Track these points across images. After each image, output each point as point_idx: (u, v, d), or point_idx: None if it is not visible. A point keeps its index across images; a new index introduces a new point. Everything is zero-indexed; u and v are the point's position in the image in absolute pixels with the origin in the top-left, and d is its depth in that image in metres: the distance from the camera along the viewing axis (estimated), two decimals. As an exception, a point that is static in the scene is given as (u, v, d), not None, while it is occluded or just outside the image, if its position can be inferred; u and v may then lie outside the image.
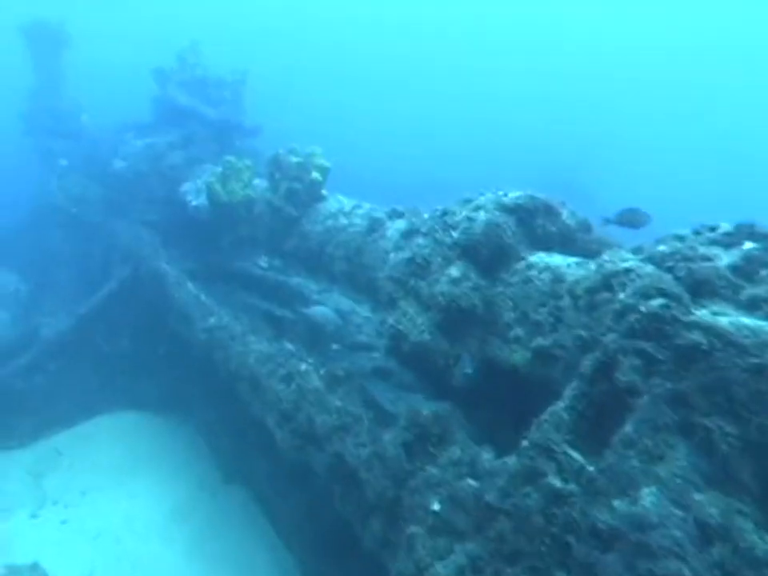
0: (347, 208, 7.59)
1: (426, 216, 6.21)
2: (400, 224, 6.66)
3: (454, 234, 5.30)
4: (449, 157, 31.35)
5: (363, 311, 9.78)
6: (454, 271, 5.17)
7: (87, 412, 11.54)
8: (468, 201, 5.51)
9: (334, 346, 8.65)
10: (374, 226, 6.85)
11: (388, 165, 27.12)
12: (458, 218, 5.38)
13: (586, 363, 3.72)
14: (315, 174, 8.09)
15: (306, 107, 33.24)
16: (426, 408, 4.89)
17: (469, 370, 5.03)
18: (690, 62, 43.71)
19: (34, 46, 17.79)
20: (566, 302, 4.30)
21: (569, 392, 3.79)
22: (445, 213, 5.59)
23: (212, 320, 8.27)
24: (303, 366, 6.51)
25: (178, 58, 15.68)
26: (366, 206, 7.52)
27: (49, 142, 16.34)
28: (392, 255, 6.27)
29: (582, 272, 4.40)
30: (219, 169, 9.62)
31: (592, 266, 4.35)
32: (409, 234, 6.16)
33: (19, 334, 13.06)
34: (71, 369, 11.53)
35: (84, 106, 16.90)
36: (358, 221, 7.20)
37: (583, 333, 4.02)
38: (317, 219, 7.89)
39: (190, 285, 9.54)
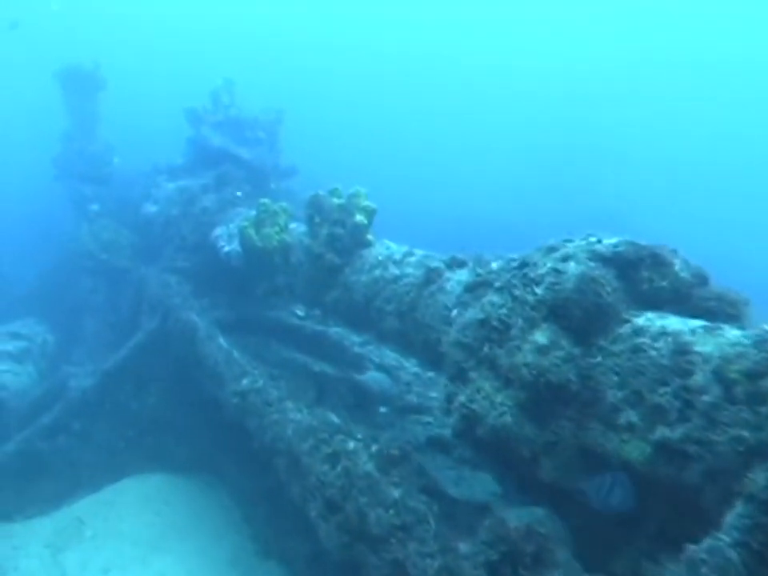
0: (397, 255, 6.55)
1: (495, 266, 5.17)
2: (462, 275, 5.60)
3: (538, 291, 4.23)
4: (477, 187, 30.26)
5: (411, 366, 8.73)
6: (540, 337, 4.09)
7: (113, 475, 10.55)
8: (552, 249, 4.43)
9: (382, 409, 7.59)
10: (431, 276, 5.79)
11: (425, 200, 26.10)
12: (541, 271, 4.30)
13: (761, 482, 2.62)
14: (359, 217, 7.10)
15: (341, 144, 32.49)
16: (515, 517, 3.78)
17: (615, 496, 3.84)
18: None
19: (69, 91, 17.25)
20: (713, 388, 3.18)
21: (734, 520, 2.67)
22: (524, 264, 4.52)
23: (245, 382, 7.24)
24: (351, 444, 5.43)
25: (212, 98, 14.95)
26: (419, 252, 6.48)
27: (80, 187, 15.66)
28: (455, 313, 5.22)
29: (726, 345, 3.29)
30: (253, 212, 8.69)
31: (744, 338, 3.24)
32: (475, 287, 5.11)
33: (46, 390, 12.20)
34: (96, 429, 10.58)
35: (116, 149, 16.23)
36: (410, 270, 6.15)
37: (746, 433, 2.91)
38: (362, 268, 6.86)
39: (221, 339, 8.56)
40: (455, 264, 5.79)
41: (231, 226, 10.41)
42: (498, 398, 4.14)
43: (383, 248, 6.93)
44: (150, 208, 13.66)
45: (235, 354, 8.01)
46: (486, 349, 4.41)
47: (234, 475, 9.64)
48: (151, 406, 10.74)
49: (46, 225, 18.18)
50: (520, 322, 4.25)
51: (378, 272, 6.58)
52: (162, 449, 10.74)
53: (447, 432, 6.89)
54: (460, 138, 38.39)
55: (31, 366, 12.31)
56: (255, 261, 8.47)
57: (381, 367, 9.05)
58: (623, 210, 28.23)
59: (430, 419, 7.34)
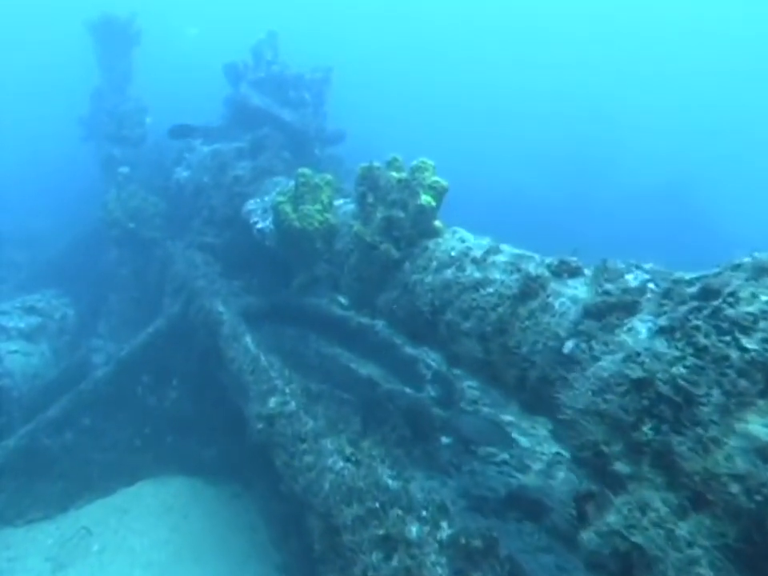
0: (477, 251, 4.74)
1: (633, 281, 3.39)
2: (578, 289, 3.81)
3: (750, 344, 2.44)
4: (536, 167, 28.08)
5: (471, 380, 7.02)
6: (759, 427, 2.32)
7: (127, 477, 9.06)
8: (763, 269, 2.65)
9: (445, 440, 5.89)
10: (530, 287, 4.00)
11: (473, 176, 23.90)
12: (750, 308, 2.51)
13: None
14: (426, 198, 5.32)
15: (391, 113, 30.40)
16: None
17: None
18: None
19: (101, 43, 15.59)
20: None
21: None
22: (709, 291, 2.72)
23: (273, 402, 5.55)
24: (413, 530, 3.72)
25: (253, 53, 13.17)
26: (507, 249, 4.66)
27: (109, 148, 14.05)
28: (572, 347, 3.47)
29: None
30: (291, 185, 6.96)
31: None
32: (604, 312, 3.35)
33: (61, 372, 10.73)
34: (109, 424, 9.08)
35: (149, 108, 14.54)
36: (498, 275, 4.36)
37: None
38: (428, 265, 5.09)
39: (248, 339, 6.88)
40: (566, 271, 3.99)
41: (267, 198, 8.70)
42: (683, 530, 2.36)
43: (456, 240, 5.14)
44: (182, 173, 12.02)
45: (263, 360, 6.33)
46: (648, 430, 2.65)
47: (264, 489, 8.03)
48: (172, 401, 9.19)
49: (76, 189, 16.72)
50: (716, 394, 2.47)
51: (449, 272, 4.80)
52: (183, 450, 9.21)
53: (532, 480, 5.19)
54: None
55: (45, 344, 10.83)
56: (291, 244, 6.76)
57: (438, 375, 7.35)
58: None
59: (504, 455, 5.63)
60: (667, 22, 40.86)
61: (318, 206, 6.62)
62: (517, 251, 4.60)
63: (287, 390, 5.68)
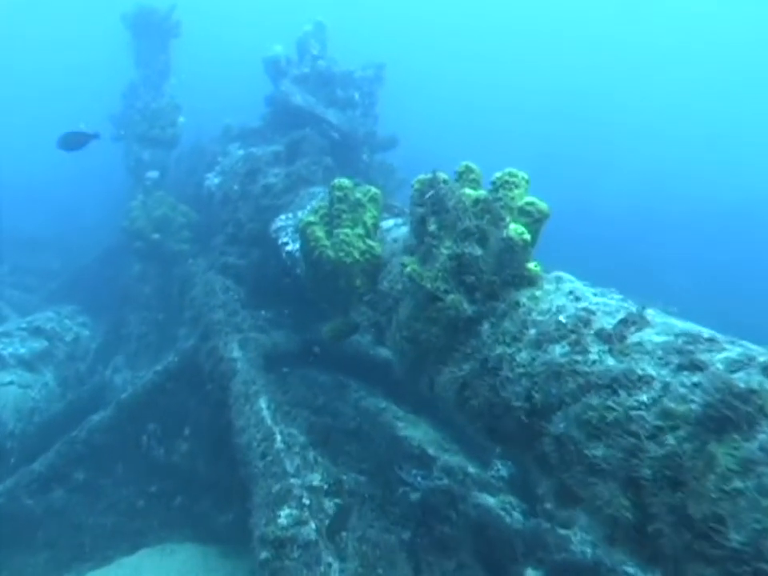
0: (604, 320, 2.86)
1: None
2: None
3: None
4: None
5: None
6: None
7: (126, 545, 7.35)
8: None
9: (531, 573, 4.01)
10: (734, 408, 2.13)
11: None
12: None
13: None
14: (516, 229, 3.46)
15: (445, 117, 28.36)
16: None
17: None
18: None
19: (138, 37, 14.08)
20: None
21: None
22: None
23: (284, 516, 3.72)
24: None
25: (298, 46, 11.47)
26: (659, 319, 2.78)
27: (139, 150, 12.48)
28: None
29: None
30: (323, 202, 5.18)
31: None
32: None
33: (66, 407, 9.17)
34: (106, 481, 7.40)
35: (183, 107, 12.92)
36: (653, 371, 2.48)
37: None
38: (521, 333, 3.20)
39: (263, 403, 5.07)
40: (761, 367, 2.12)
41: (300, 214, 6.96)
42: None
43: (564, 294, 3.26)
44: (213, 180, 10.37)
45: (279, 440, 4.50)
46: None
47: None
48: (183, 454, 7.46)
49: (105, 193, 15.28)
50: None
51: (559, 351, 2.93)
52: (194, 512, 7.47)
53: None
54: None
55: (50, 374, 9.24)
56: (323, 280, 4.96)
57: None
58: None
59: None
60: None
61: (360, 231, 4.81)
62: (679, 324, 2.70)
63: (306, 499, 3.85)
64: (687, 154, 28.20)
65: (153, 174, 12.02)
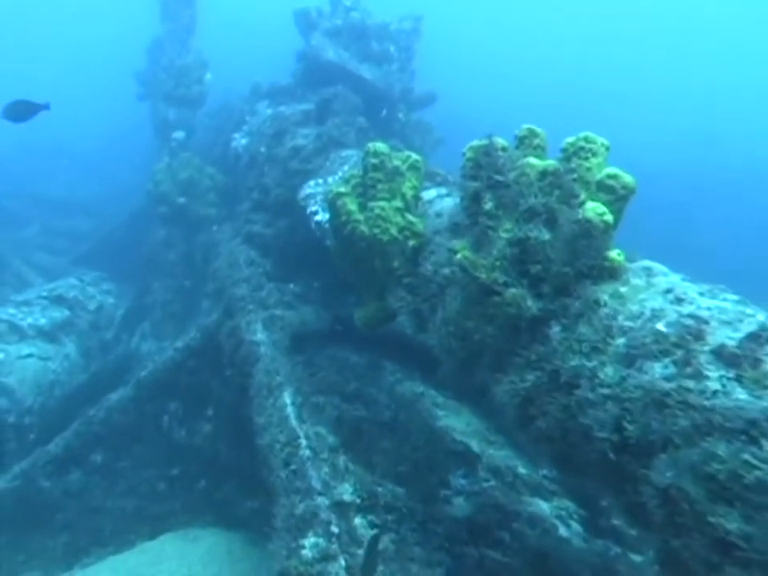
0: (721, 333, 2.18)
1: None
2: None
3: None
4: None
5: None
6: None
7: (147, 529, 6.89)
8: None
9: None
10: None
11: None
12: None
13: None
14: (595, 208, 2.75)
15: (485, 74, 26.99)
16: None
17: None
18: None
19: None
20: None
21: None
22: None
23: (308, 547, 3.09)
24: None
25: (330, -3, 10.63)
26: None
27: (164, 109, 11.81)
28: None
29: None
30: (355, 170, 4.48)
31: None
32: None
33: (89, 379, 8.69)
34: (126, 463, 6.92)
35: (211, 63, 12.17)
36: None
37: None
38: (604, 343, 2.52)
39: (287, 398, 4.46)
40: None
41: (331, 180, 6.27)
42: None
43: (659, 292, 2.56)
44: (240, 141, 9.69)
45: (304, 446, 3.88)
46: None
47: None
48: (206, 436, 6.92)
49: (133, 155, 14.68)
50: None
51: (659, 371, 2.24)
52: (218, 496, 6.98)
53: None
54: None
55: (72, 344, 8.75)
56: (355, 260, 4.29)
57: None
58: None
59: None
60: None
61: (398, 203, 4.11)
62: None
63: (335, 525, 3.23)
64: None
65: (178, 135, 11.37)
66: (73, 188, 17.18)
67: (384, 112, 9.56)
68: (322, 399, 5.42)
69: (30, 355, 7.97)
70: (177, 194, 10.18)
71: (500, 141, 3.12)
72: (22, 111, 5.81)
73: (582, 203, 2.81)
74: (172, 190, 10.23)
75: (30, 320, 8.37)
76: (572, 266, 2.80)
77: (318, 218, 5.95)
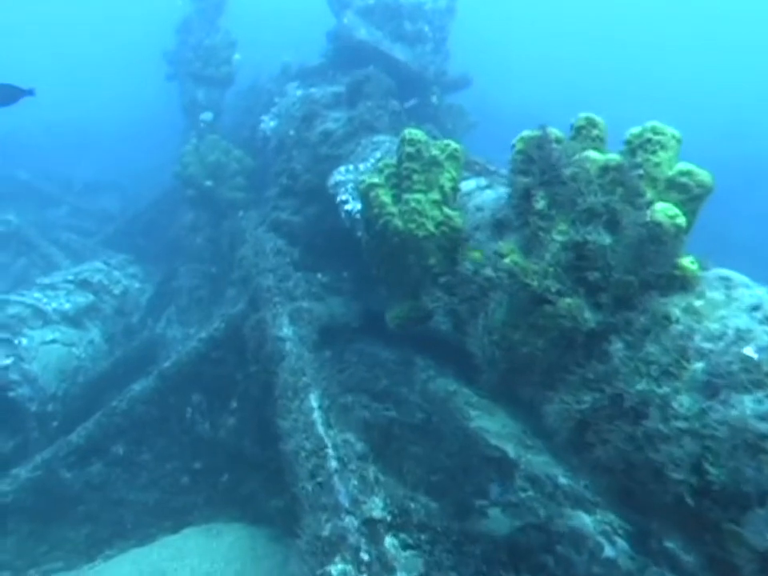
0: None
1: None
2: None
3: None
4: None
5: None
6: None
7: (169, 522, 6.69)
8: None
9: None
10: None
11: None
12: None
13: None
14: (663, 212, 2.40)
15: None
16: None
17: None
18: None
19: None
20: None
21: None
22: None
23: (334, 575, 2.87)
24: None
25: (363, -26, 10.23)
26: None
27: (193, 90, 11.54)
28: None
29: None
30: (389, 159, 4.14)
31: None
32: None
33: (112, 365, 8.51)
34: (148, 455, 6.72)
35: (240, 43, 11.86)
36: None
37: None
38: (678, 366, 2.20)
39: (313, 401, 4.17)
40: None
41: (362, 167, 5.94)
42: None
43: (740, 307, 2.22)
44: (268, 123, 9.40)
45: (332, 457, 3.59)
46: None
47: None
48: (230, 429, 6.69)
49: (160, 136, 14.44)
50: None
51: (751, 407, 1.90)
52: (243, 491, 6.76)
53: None
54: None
55: (97, 330, 8.55)
56: (388, 255, 3.98)
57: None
58: None
59: None
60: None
61: (435, 196, 3.78)
62: None
63: (364, 551, 2.94)
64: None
65: (206, 117, 11.12)
66: (102, 169, 17.04)
67: (412, 101, 9.16)
68: (351, 398, 5.14)
69: (53, 341, 7.78)
70: (204, 177, 9.93)
71: (554, 132, 2.77)
72: (4, 96, 5.62)
73: (650, 203, 2.46)
74: (200, 172, 9.98)
75: (54, 305, 8.18)
76: (637, 275, 2.46)
77: (348, 207, 5.64)
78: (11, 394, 6.67)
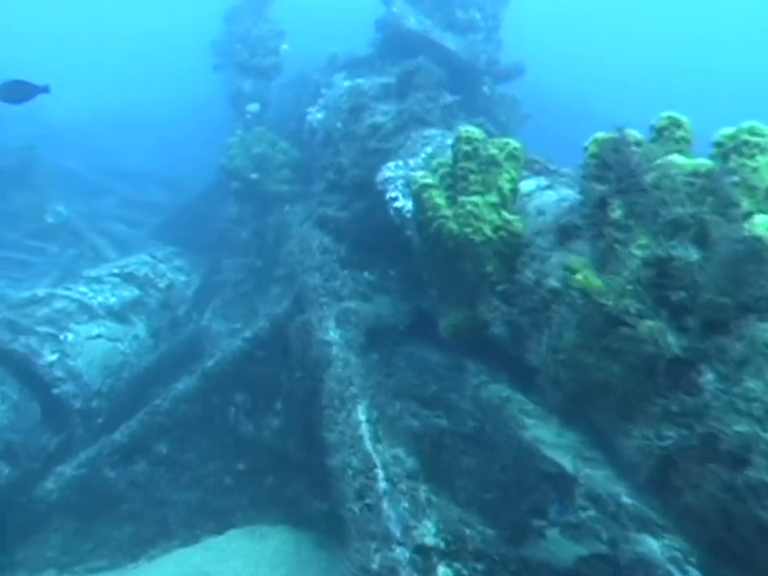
0: None
1: None
2: None
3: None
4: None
5: None
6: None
7: (213, 523, 6.58)
8: None
9: None
10: None
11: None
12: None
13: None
14: (763, 226, 2.11)
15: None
16: None
17: None
18: None
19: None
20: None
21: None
22: None
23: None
24: None
25: (413, -40, 9.91)
26: None
27: (240, 81, 11.39)
28: None
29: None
30: (444, 158, 3.87)
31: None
32: None
33: (157, 360, 8.43)
34: (192, 455, 6.60)
35: (287, 32, 11.65)
36: None
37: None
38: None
39: (361, 414, 3.97)
40: None
41: (412, 162, 5.69)
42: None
43: None
44: (315, 115, 9.17)
45: (380, 476, 3.37)
46: None
47: None
48: (275, 431, 6.52)
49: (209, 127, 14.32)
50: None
51: None
52: (288, 493, 6.60)
53: None
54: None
55: (142, 324, 8.47)
56: (442, 260, 3.73)
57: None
58: None
59: None
60: None
61: (493, 198, 3.51)
62: None
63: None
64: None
65: (253, 108, 10.96)
66: (150, 159, 17.07)
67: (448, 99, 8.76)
68: (399, 406, 4.92)
69: (99, 336, 7.71)
70: (250, 170, 9.77)
71: (633, 134, 2.48)
72: (18, 92, 5.49)
73: (747, 215, 2.17)
74: (246, 165, 9.83)
75: (100, 299, 8.12)
76: (731, 296, 2.17)
77: (397, 204, 5.39)
78: (56, 390, 6.60)
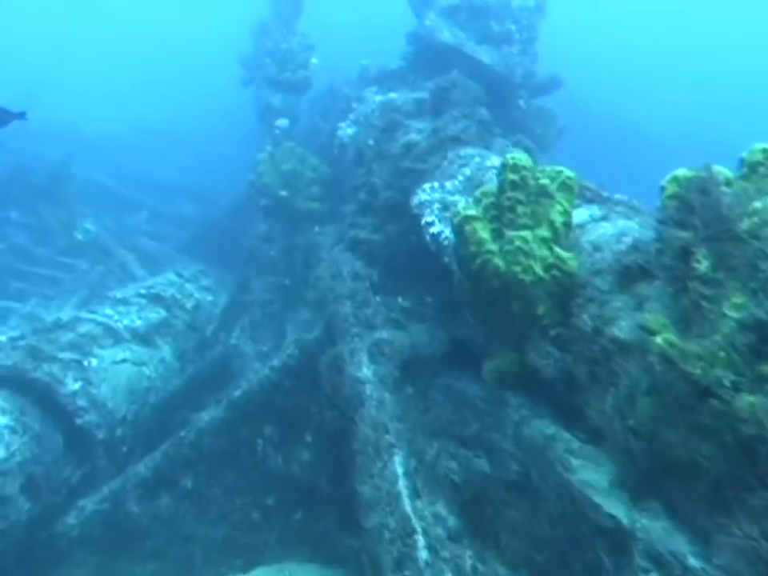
0: None
1: None
2: None
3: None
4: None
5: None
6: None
7: (239, 561, 6.23)
8: None
9: None
10: None
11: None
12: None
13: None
14: None
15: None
16: None
17: None
18: None
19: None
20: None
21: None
22: None
23: None
24: None
25: (447, -28, 9.59)
26: None
27: (268, 96, 11.14)
28: None
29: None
30: (488, 187, 3.52)
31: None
32: None
33: (184, 383, 8.16)
34: (218, 490, 6.28)
35: (317, 46, 11.39)
36: None
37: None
38: None
39: (398, 466, 3.61)
40: None
41: (449, 185, 5.34)
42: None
43: None
44: (346, 131, 8.88)
45: (421, 544, 3.01)
46: None
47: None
48: (304, 465, 6.17)
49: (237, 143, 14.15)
50: None
51: None
52: (316, 531, 6.26)
53: None
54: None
55: (168, 347, 8.20)
56: (486, 299, 3.37)
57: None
58: None
59: None
60: None
61: (544, 233, 3.15)
62: None
63: None
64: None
65: (282, 123, 10.72)
66: (181, 172, 16.95)
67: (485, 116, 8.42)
68: (437, 446, 4.57)
69: (124, 360, 7.45)
70: (279, 187, 9.50)
71: (722, 171, 2.11)
72: None
73: None
74: (274, 181, 9.56)
75: (126, 321, 7.87)
76: None
77: (433, 230, 5.05)
78: (79, 421, 6.34)
